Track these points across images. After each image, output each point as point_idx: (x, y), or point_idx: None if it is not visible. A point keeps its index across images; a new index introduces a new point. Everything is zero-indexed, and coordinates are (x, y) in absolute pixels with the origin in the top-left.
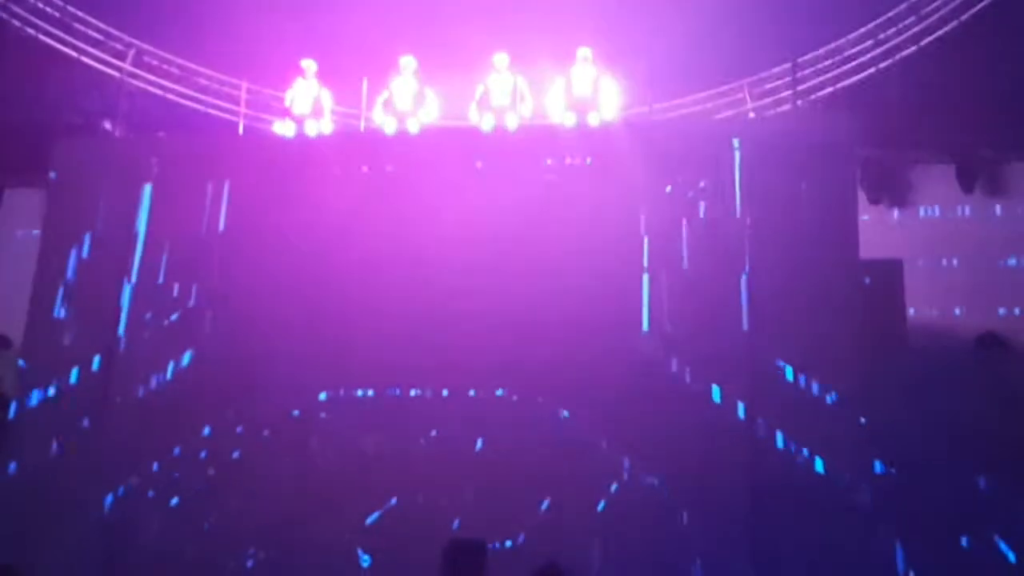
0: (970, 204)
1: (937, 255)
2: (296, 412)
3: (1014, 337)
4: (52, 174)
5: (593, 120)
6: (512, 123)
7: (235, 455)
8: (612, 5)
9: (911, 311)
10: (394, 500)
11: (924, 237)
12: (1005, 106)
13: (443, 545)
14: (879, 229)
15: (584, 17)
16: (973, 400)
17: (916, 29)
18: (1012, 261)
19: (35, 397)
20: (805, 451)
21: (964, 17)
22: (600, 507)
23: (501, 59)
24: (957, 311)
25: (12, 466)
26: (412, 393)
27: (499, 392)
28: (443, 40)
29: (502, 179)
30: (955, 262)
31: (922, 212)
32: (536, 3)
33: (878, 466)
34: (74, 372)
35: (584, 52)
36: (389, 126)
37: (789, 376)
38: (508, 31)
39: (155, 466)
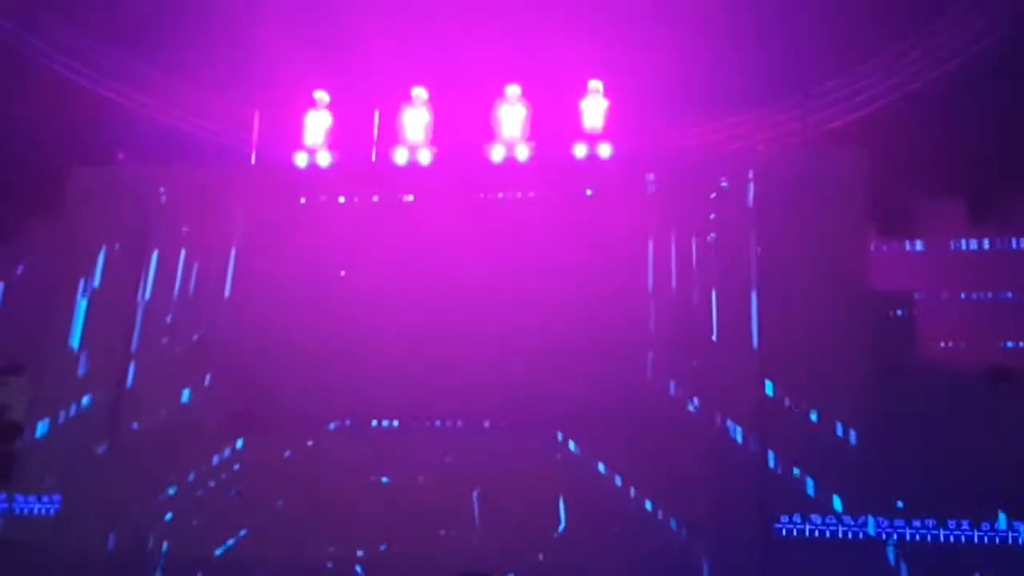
0: (979, 238)
1: (947, 287)
2: (307, 442)
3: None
4: (66, 203)
5: (604, 151)
6: (523, 154)
7: (243, 483)
8: (623, 39)
9: (921, 343)
10: (402, 531)
11: (934, 269)
12: (1013, 139)
13: None
14: (889, 261)
15: (596, 49)
16: (985, 433)
17: (924, 63)
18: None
19: (46, 424)
20: (815, 483)
21: (972, 52)
22: (607, 537)
23: (513, 90)
24: (966, 343)
25: (22, 495)
26: (421, 424)
27: (508, 423)
28: (455, 71)
29: (512, 209)
30: (965, 295)
31: (932, 245)
32: (548, 36)
33: (889, 498)
34: (85, 399)
35: (595, 84)
36: (401, 156)
37: (799, 407)
38: (520, 62)
39: (165, 493)
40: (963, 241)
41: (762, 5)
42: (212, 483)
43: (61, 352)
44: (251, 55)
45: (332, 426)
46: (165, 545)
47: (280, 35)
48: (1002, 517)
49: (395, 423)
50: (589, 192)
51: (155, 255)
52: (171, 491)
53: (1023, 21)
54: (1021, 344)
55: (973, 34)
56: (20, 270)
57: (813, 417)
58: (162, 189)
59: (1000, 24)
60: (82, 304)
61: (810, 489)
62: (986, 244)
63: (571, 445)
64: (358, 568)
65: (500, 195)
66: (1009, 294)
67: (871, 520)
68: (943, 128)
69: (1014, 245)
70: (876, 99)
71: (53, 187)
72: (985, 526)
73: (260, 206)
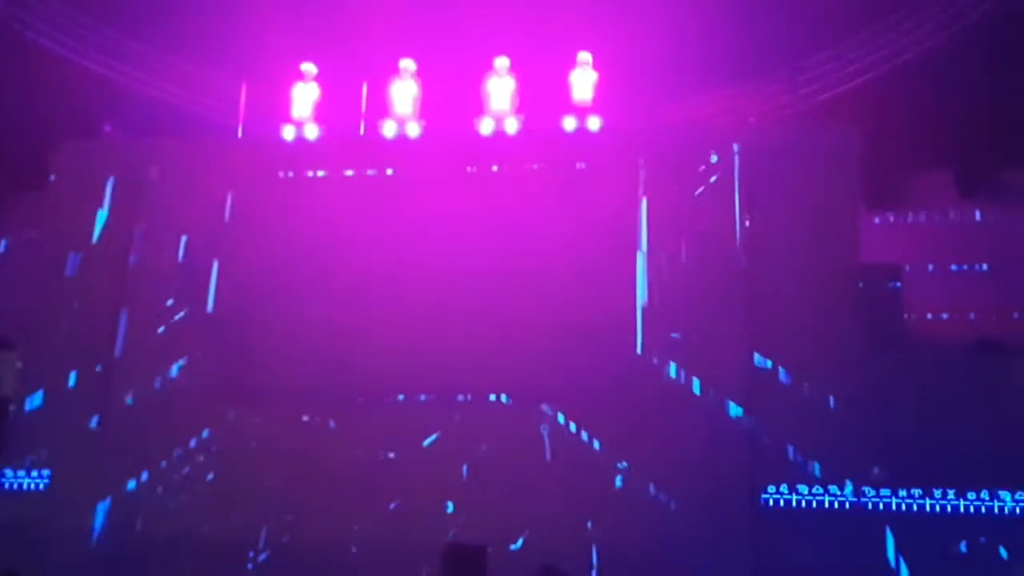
0: (969, 209)
1: (936, 260)
2: (298, 418)
3: (1012, 341)
4: (53, 177)
5: (593, 125)
6: (512, 127)
7: (235, 458)
8: (613, 11)
9: (910, 315)
10: (393, 505)
11: (923, 242)
12: (1004, 111)
13: (442, 549)
14: (879, 234)
15: (585, 21)
16: (972, 404)
17: (915, 35)
18: (1009, 265)
19: (36, 399)
20: (804, 455)
21: (963, 23)
22: (597, 510)
23: (501, 62)
24: (955, 315)
25: (10, 469)
26: (412, 399)
27: (498, 397)
28: (443, 43)
29: (501, 183)
30: (954, 267)
31: (922, 217)
32: (537, 7)
33: (876, 471)
34: (74, 375)
35: (584, 56)
36: (389, 130)
37: (789, 380)
38: (509, 34)
39: (155, 468)
40: (953, 212)
41: None
42: (202, 458)
43: (50, 326)
44: (238, 27)
45: (324, 399)
46: (154, 520)
47: (267, 7)
48: (988, 487)
49: (384, 398)
50: (581, 166)
51: (143, 229)
52: (162, 465)
53: None
54: (1014, 315)
55: (964, 5)
56: (6, 244)
57: (802, 389)
58: (149, 162)
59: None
60: (70, 278)
61: (798, 460)
62: (977, 216)
63: (560, 418)
64: (352, 547)
65: (490, 168)
66: (998, 266)
67: (858, 490)
68: (934, 100)
69: (1004, 217)
70: (867, 71)
71: (40, 161)
72: (971, 495)
73: (247, 180)
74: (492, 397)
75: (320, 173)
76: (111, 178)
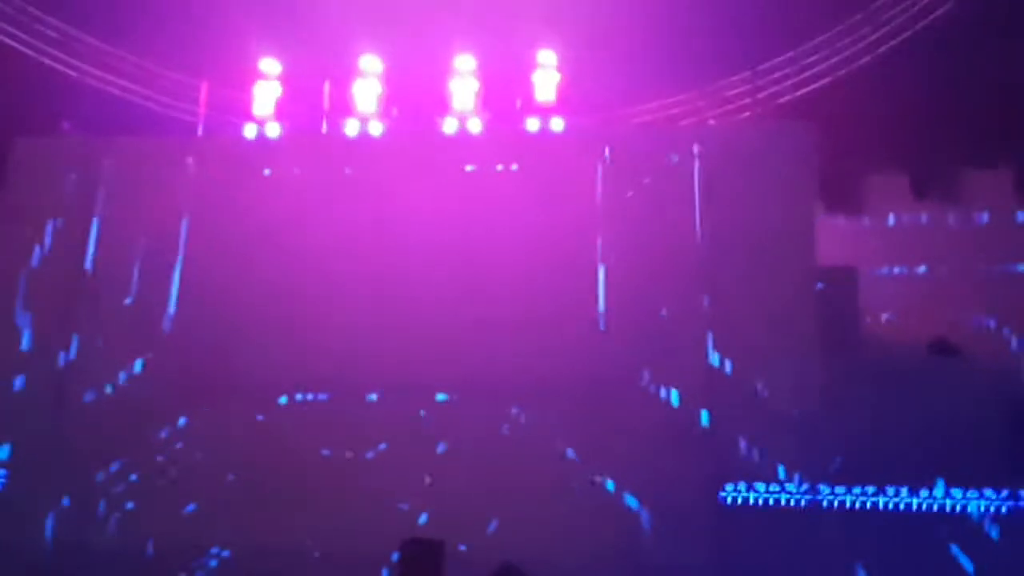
0: (924, 212)
1: (891, 262)
2: (257, 416)
3: (965, 343)
4: (9, 174)
5: (556, 125)
6: (475, 127)
7: (192, 458)
8: (576, 13)
9: (865, 317)
10: (354, 503)
11: (879, 244)
12: (958, 115)
13: (401, 544)
14: (835, 236)
15: (548, 23)
16: (925, 404)
17: (872, 39)
18: (964, 267)
19: None
20: (761, 454)
21: (918, 28)
22: (556, 505)
23: (465, 63)
24: (909, 318)
25: None
26: (374, 398)
27: (459, 396)
28: (407, 42)
29: (464, 182)
30: (909, 269)
31: (878, 220)
32: (501, 8)
33: (833, 469)
34: (31, 372)
35: (547, 57)
36: (352, 128)
37: (746, 379)
38: (472, 34)
39: (112, 467)
40: (909, 215)
41: None
42: (161, 457)
43: (5, 324)
44: (199, 25)
45: (283, 400)
46: (113, 520)
47: (230, 5)
48: (940, 484)
49: (347, 396)
50: (544, 165)
51: (101, 226)
52: (119, 465)
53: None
54: (971, 318)
55: (919, 9)
56: None
57: (758, 388)
58: (108, 160)
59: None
60: (27, 275)
61: (755, 458)
62: (932, 219)
63: (522, 416)
64: (312, 545)
65: (453, 167)
66: (954, 268)
67: (813, 487)
68: (889, 103)
69: (957, 220)
70: (825, 74)
71: None
72: (924, 493)
73: (207, 178)
74: (450, 396)
75: (282, 171)
76: (69, 175)
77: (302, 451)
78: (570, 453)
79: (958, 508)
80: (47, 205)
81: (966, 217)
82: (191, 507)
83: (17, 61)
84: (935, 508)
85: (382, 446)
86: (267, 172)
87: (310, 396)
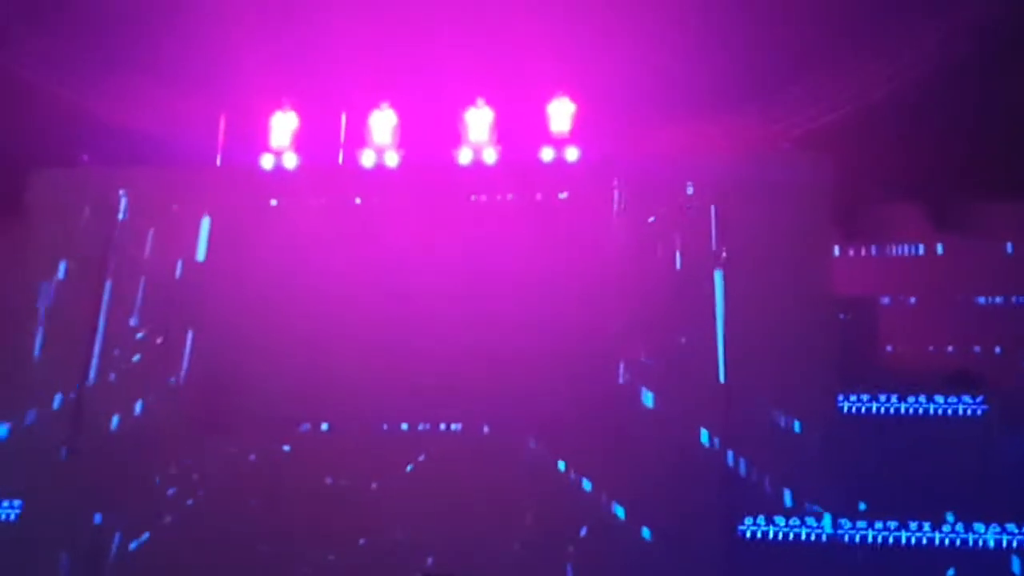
0: (944, 241)
1: (909, 292)
2: (273, 446)
3: (987, 374)
4: (27, 205)
5: (571, 155)
6: (490, 157)
7: (208, 490)
8: (591, 43)
9: (885, 347)
10: (370, 536)
11: (897, 274)
12: (981, 144)
13: None
14: (853, 266)
15: (563, 53)
16: (946, 436)
17: (889, 70)
18: (982, 299)
19: (6, 429)
20: (780, 486)
21: (936, 60)
22: (574, 541)
23: (480, 93)
24: (931, 348)
25: None
26: (390, 429)
27: (475, 428)
28: (422, 73)
29: (480, 213)
30: (927, 299)
31: (895, 250)
32: (516, 35)
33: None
34: (46, 403)
35: (562, 87)
36: (368, 159)
37: (764, 411)
38: (488, 65)
39: (127, 500)
40: (922, 246)
41: (730, 12)
42: (176, 488)
43: (22, 356)
44: (218, 56)
45: (303, 428)
46: (128, 549)
47: (247, 37)
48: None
49: (361, 427)
50: (564, 195)
51: (118, 257)
52: (135, 496)
53: (986, 31)
54: (996, 350)
55: (936, 44)
56: None
57: (777, 420)
58: (124, 191)
59: (964, 34)
60: (44, 306)
61: (774, 492)
62: (951, 248)
63: (539, 449)
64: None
65: (468, 198)
66: (973, 299)
67: (835, 522)
68: (908, 134)
69: (980, 250)
70: (841, 105)
71: (13, 189)
72: (945, 527)
73: (225, 209)
74: (466, 427)
75: (299, 202)
76: (87, 207)
77: (318, 481)
78: (586, 485)
79: (980, 543)
80: (64, 236)
81: (991, 248)
82: (205, 539)
83: (36, 93)
84: (957, 543)
85: (396, 478)
86: (282, 202)
87: (328, 426)
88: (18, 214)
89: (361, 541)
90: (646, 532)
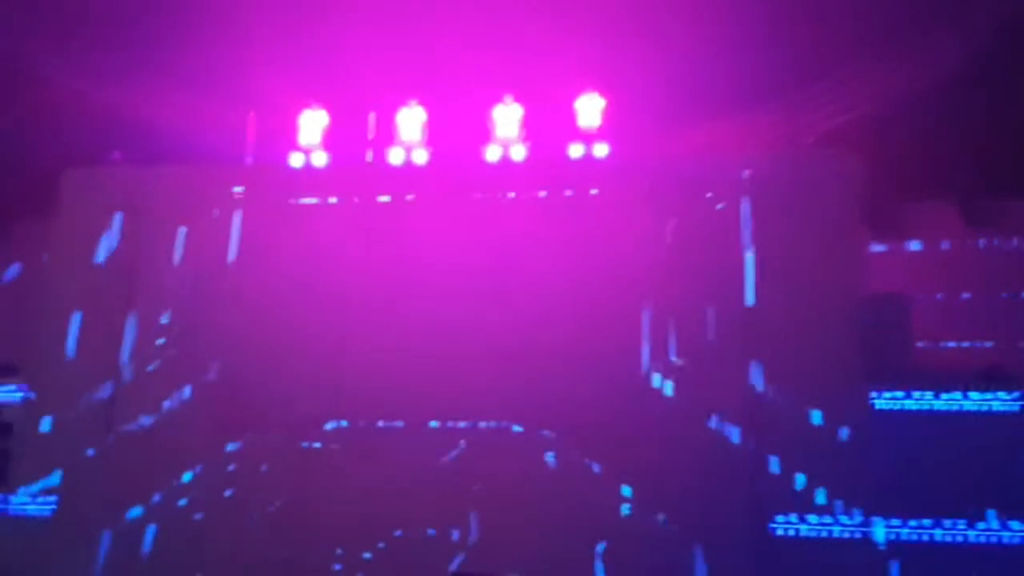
0: (974, 238)
1: (940, 288)
2: (301, 444)
3: (1018, 370)
4: (60, 204)
5: (599, 151)
6: (518, 154)
7: (237, 487)
8: (620, 40)
9: (916, 344)
10: (397, 533)
11: (926, 270)
12: (1004, 144)
13: None
14: (882, 262)
15: (592, 50)
16: (979, 433)
17: (916, 65)
18: (1015, 295)
19: (40, 425)
20: (813, 485)
21: (958, 58)
22: (603, 537)
23: (508, 95)
24: (964, 344)
25: (18, 494)
26: (417, 426)
27: (504, 424)
28: (451, 70)
29: (507, 210)
30: (957, 295)
31: (925, 246)
32: (544, 31)
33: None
34: (79, 400)
35: (591, 83)
36: (396, 157)
37: (795, 408)
38: (516, 61)
39: (158, 496)
40: (953, 242)
41: (758, 10)
42: (207, 485)
43: (55, 354)
44: (246, 55)
45: (329, 427)
46: (159, 547)
47: (276, 37)
48: (994, 516)
49: (390, 425)
50: (587, 192)
51: (149, 255)
52: (165, 492)
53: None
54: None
55: (959, 40)
56: (13, 271)
57: (809, 418)
58: (156, 190)
59: (984, 32)
60: (76, 304)
61: (806, 490)
62: (981, 244)
63: (570, 446)
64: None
65: (496, 195)
66: (1005, 295)
67: (867, 520)
68: (937, 131)
69: (1005, 246)
70: (865, 102)
71: (46, 188)
72: (980, 525)
73: (254, 207)
74: (497, 424)
75: (328, 200)
76: (118, 205)
77: (346, 478)
78: (616, 482)
79: (1016, 540)
80: (96, 234)
81: (1014, 244)
82: (238, 534)
83: (68, 94)
84: (993, 540)
85: (424, 474)
86: (311, 200)
87: (356, 424)
88: (50, 212)
89: (388, 539)
90: (677, 530)
